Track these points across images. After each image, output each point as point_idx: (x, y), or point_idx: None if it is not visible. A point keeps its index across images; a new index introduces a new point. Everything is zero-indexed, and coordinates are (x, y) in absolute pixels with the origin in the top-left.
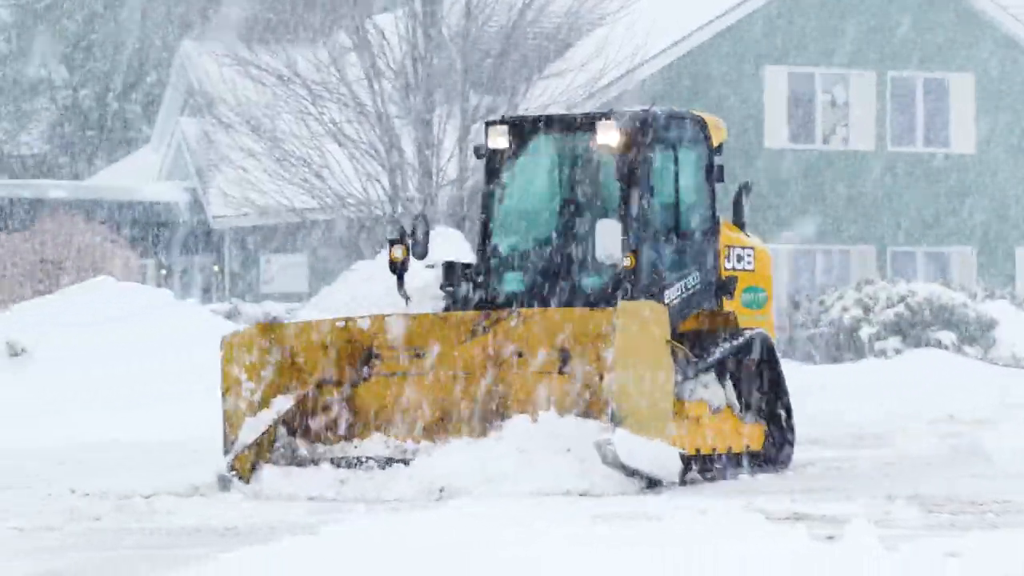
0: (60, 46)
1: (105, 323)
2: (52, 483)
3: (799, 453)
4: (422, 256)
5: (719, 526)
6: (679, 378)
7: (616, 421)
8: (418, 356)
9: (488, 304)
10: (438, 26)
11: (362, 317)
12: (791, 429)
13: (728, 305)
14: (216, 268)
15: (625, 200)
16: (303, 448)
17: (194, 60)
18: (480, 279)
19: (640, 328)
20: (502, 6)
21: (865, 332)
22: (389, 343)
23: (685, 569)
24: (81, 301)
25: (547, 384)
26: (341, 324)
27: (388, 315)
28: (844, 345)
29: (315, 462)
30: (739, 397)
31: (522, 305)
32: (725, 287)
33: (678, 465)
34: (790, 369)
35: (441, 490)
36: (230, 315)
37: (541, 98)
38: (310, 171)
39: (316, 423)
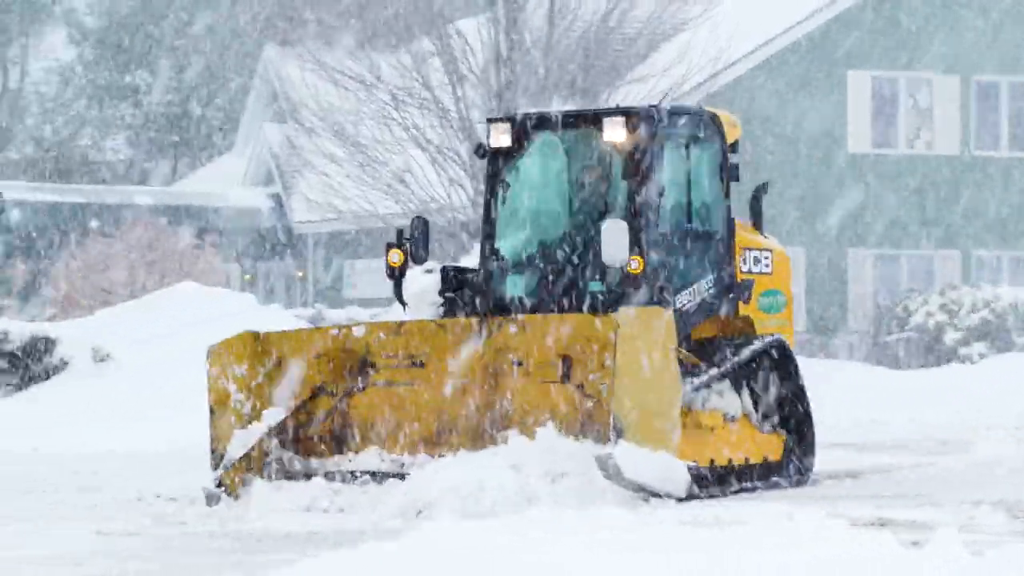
0: (145, 52)
1: (189, 328)
2: (136, 487)
3: (886, 458)
4: (421, 260)
5: (803, 532)
6: (690, 386)
7: (618, 433)
8: (415, 365)
9: (489, 311)
10: (520, 31)
11: (356, 324)
12: (811, 439)
13: (744, 310)
14: (299, 273)
15: (633, 200)
16: (296, 462)
17: (278, 66)
18: (481, 283)
19: (644, 335)
20: (585, 11)
21: (950, 337)
22: (385, 352)
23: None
24: (165, 307)
25: (547, 394)
26: (335, 332)
27: (383, 322)
28: (928, 350)
29: (308, 476)
30: (756, 406)
31: (524, 311)
32: (741, 291)
33: (685, 478)
34: (876, 375)
35: (424, 509)
36: (314, 320)
37: (624, 103)
38: (393, 176)
39: (309, 435)
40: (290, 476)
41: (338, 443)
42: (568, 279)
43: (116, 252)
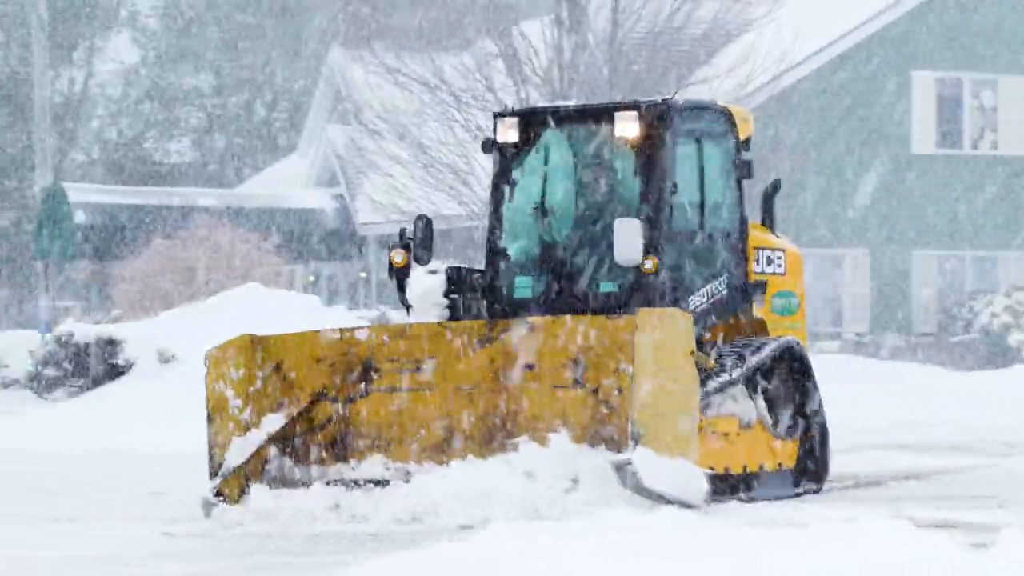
0: (208, 54)
1: (253, 330)
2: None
3: (950, 460)
4: (424, 261)
5: (866, 534)
6: (705, 391)
7: (636, 439)
8: (419, 370)
9: (496, 312)
10: (584, 33)
11: (359, 328)
12: (825, 444)
13: (758, 311)
14: (363, 274)
15: (646, 197)
16: (296, 470)
17: (342, 67)
18: (487, 284)
19: (663, 337)
20: (648, 11)
21: (1015, 338)
22: (388, 356)
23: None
24: (229, 308)
25: (559, 399)
26: (336, 335)
27: (386, 325)
28: (993, 351)
29: (308, 484)
30: (770, 411)
31: (533, 313)
32: (754, 292)
33: (703, 487)
34: (940, 376)
35: (426, 516)
36: (377, 322)
37: None
38: (456, 178)
39: (310, 443)
40: (290, 484)
41: (340, 451)
42: (579, 279)
43: (181, 254)
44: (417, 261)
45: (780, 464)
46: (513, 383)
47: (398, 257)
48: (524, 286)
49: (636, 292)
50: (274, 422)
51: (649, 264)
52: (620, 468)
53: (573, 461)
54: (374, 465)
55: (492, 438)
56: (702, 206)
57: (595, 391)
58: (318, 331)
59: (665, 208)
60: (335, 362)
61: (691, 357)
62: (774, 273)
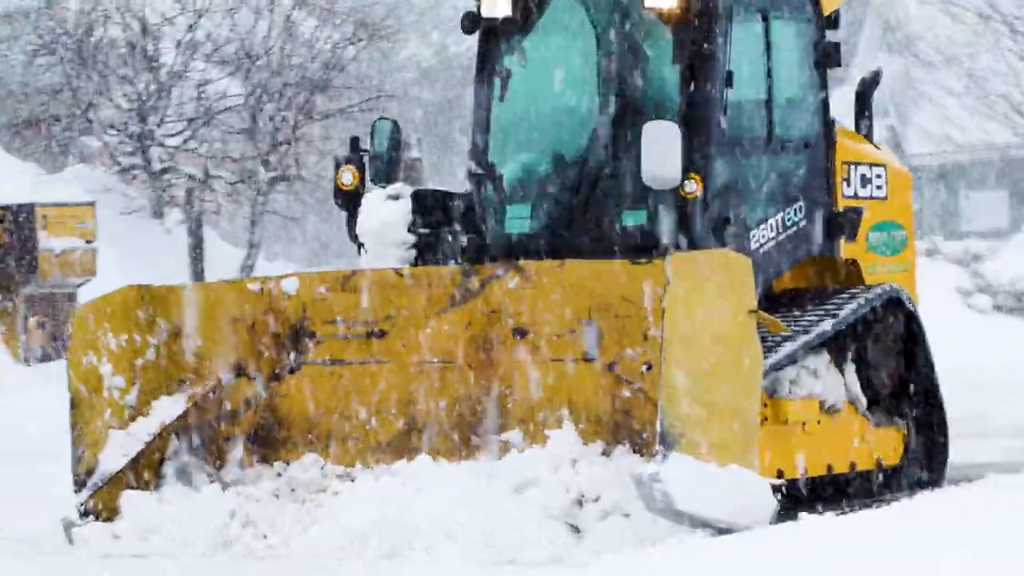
0: None
1: None
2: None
3: None
4: (383, 179)
5: None
6: (772, 365)
7: (668, 443)
8: (370, 336)
9: (482, 254)
10: None
11: (287, 276)
12: (943, 430)
13: (848, 250)
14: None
15: (687, 94)
16: (200, 476)
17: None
18: (470, 216)
19: (708, 291)
20: None
21: None
22: (327, 316)
23: None
24: None
25: (564, 378)
26: (255, 287)
27: (326, 273)
28: None
29: (215, 496)
30: (866, 388)
31: (531, 255)
32: (843, 224)
33: (770, 504)
34: None
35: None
36: (929, 253)
37: None
38: (1010, 107)
39: (220, 438)
40: (189, 497)
41: (261, 448)
42: (595, 208)
43: None
44: (375, 180)
45: (879, 461)
46: (499, 355)
47: (347, 176)
48: (520, 217)
49: (673, 225)
50: (170, 408)
51: (691, 185)
52: (644, 484)
53: (580, 470)
54: (306, 469)
55: (469, 434)
56: (769, 106)
57: (612, 367)
58: (233, 281)
59: (714, 108)
60: (255, 324)
61: (751, 317)
62: (872, 197)
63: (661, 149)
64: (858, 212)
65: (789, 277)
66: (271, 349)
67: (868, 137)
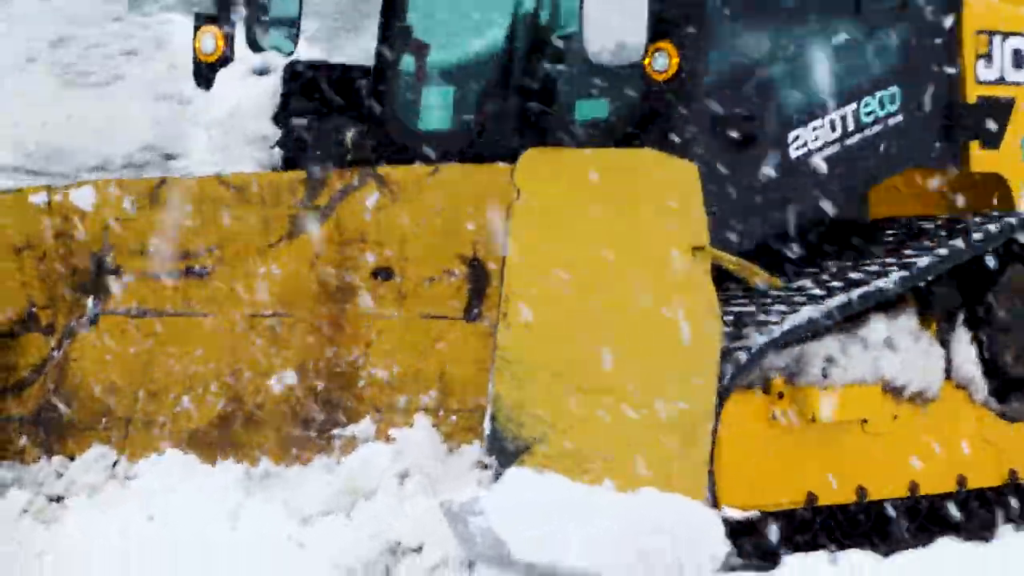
0: None
1: None
2: None
3: None
4: (254, 46)
5: None
6: (786, 330)
7: (504, 451)
8: (191, 273)
9: (379, 158)
10: None
11: (82, 184)
12: None
13: (989, 161)
14: None
15: None
16: None
17: None
18: (371, 100)
19: (607, 213)
20: None
21: None
22: (135, 244)
23: None
24: None
25: (436, 343)
26: (40, 199)
27: (134, 180)
28: None
29: None
30: (988, 364)
31: (442, 158)
32: (975, 121)
33: (716, 549)
34: None
35: None
36: None
37: None
38: None
39: (6, 416)
40: None
41: (48, 433)
42: (541, 97)
43: None
44: (251, 47)
45: (1013, 474)
46: (355, 308)
47: (207, 42)
48: (438, 107)
49: (637, 121)
50: None
51: (660, 61)
52: (456, 518)
53: (444, 482)
54: (88, 468)
55: (308, 422)
56: None
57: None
58: (11, 192)
59: None
60: (46, 254)
61: (698, 258)
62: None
63: (607, 5)
64: (1003, 105)
65: (889, 199)
66: (67, 291)
67: None
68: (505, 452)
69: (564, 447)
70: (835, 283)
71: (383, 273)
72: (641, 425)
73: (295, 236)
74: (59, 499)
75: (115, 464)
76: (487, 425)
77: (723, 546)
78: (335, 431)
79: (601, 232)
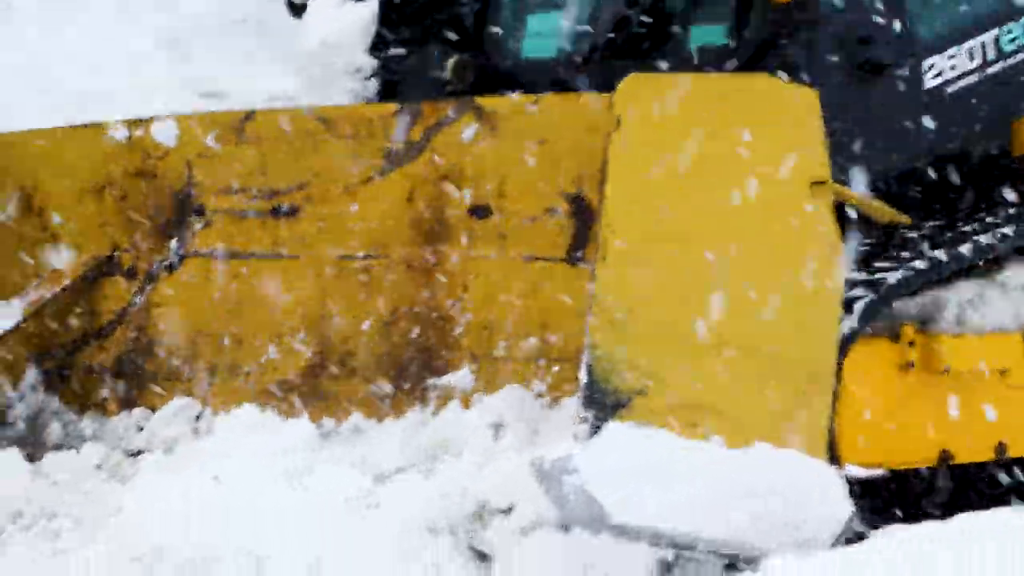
0: None
1: None
2: None
3: None
4: None
5: None
6: (915, 269)
7: (602, 404)
8: (279, 213)
9: (482, 87)
10: None
11: (159, 119)
12: None
13: None
14: None
15: None
16: (53, 423)
17: None
18: (469, 30)
19: (714, 142)
20: None
21: None
22: (221, 181)
23: None
24: None
25: (538, 287)
26: (120, 134)
27: (217, 114)
28: None
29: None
30: None
31: (546, 88)
32: None
33: (840, 512)
34: None
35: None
36: None
37: None
38: None
39: (80, 364)
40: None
41: (130, 384)
42: (655, 23)
43: None
44: None
45: None
46: (447, 248)
47: None
48: (542, 34)
49: (760, 45)
50: (14, 311)
51: None
52: (548, 476)
53: (541, 437)
54: (168, 422)
55: (400, 372)
56: None
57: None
58: (88, 127)
59: None
60: (128, 194)
61: (818, 194)
62: None
63: None
64: None
65: None
66: (149, 233)
67: None
68: (602, 405)
69: (668, 400)
70: (972, 224)
71: (480, 211)
72: (754, 376)
73: (388, 172)
74: (137, 454)
75: (198, 417)
76: (582, 376)
77: (845, 507)
78: (429, 382)
79: (710, 164)
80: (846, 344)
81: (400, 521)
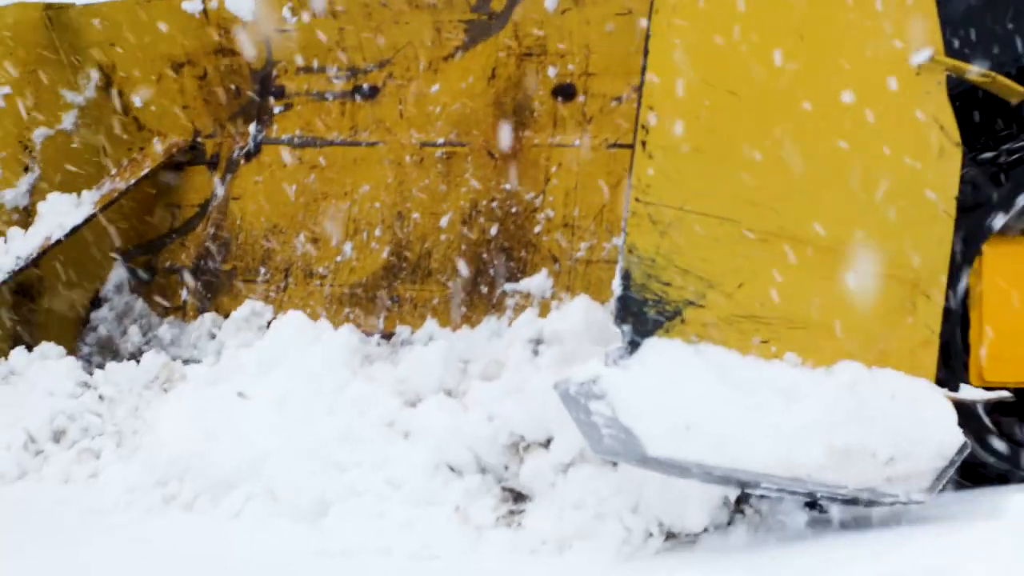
0: None
1: None
2: None
3: None
4: None
5: None
6: None
7: (640, 318)
8: (359, 93)
9: None
10: None
11: None
12: None
13: None
14: None
15: None
16: (141, 324)
17: None
18: None
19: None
20: None
21: None
22: (303, 63)
23: None
24: None
25: (619, 181)
26: (194, 7)
27: None
28: None
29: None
30: None
31: None
32: None
33: (950, 442)
34: None
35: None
36: None
37: None
38: None
39: (158, 261)
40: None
41: (206, 286)
42: None
43: None
44: None
45: None
46: (529, 133)
47: None
48: None
49: None
50: (85, 205)
51: None
52: (573, 402)
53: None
54: (243, 324)
55: (477, 275)
56: None
57: None
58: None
59: None
60: (207, 73)
61: (930, 70)
62: None
63: None
64: None
65: None
66: (230, 117)
67: None
68: (642, 318)
69: (730, 311)
70: None
71: (564, 91)
72: (842, 281)
73: (469, 48)
74: (186, 363)
75: (270, 323)
76: (616, 284)
77: (954, 438)
78: (507, 287)
79: (787, 32)
80: (971, 244)
81: (429, 453)
